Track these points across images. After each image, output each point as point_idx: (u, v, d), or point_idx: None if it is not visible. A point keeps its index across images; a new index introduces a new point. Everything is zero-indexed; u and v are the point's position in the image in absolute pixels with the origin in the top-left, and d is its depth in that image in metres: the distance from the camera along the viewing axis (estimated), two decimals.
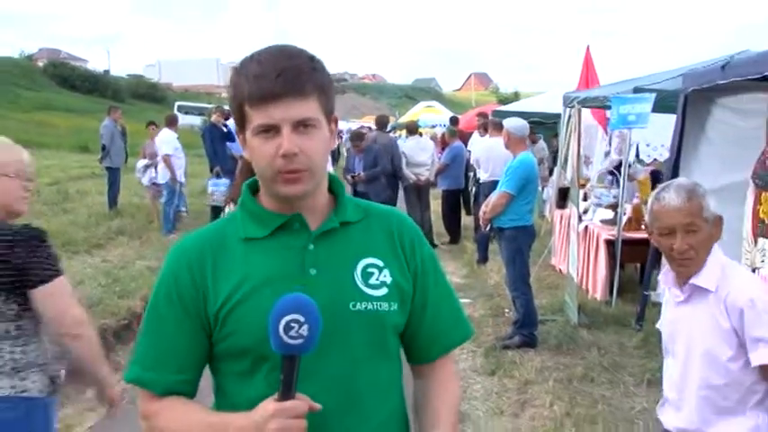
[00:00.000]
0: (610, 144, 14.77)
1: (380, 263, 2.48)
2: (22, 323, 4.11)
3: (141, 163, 19.02)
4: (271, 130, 2.28)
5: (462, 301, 12.25)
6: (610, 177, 14.26)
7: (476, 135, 19.33)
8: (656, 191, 4.06)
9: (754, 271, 6.95)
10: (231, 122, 21.13)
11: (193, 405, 2.45)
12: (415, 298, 2.57)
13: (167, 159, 17.97)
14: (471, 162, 17.57)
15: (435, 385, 2.66)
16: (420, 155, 17.94)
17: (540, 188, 18.25)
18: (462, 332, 2.72)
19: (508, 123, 10.62)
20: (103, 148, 20.14)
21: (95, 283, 12.03)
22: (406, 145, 18.46)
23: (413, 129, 20.14)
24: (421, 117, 35.47)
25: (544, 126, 20.15)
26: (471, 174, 18.02)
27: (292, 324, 2.10)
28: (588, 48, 16.56)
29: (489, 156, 14.60)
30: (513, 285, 10.24)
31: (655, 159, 14.81)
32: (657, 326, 4.49)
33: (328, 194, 2.54)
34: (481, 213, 10.88)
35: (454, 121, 22.66)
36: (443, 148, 18.54)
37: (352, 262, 2.45)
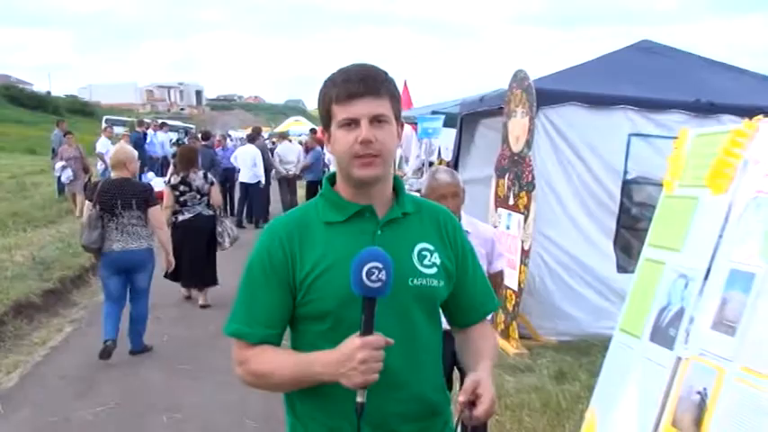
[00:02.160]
0: (420, 148, 16.04)
1: (431, 247, 2.32)
2: (146, 221, 7.53)
3: (59, 164, 17.97)
4: (352, 123, 2.15)
5: None
6: (420, 171, 15.47)
7: None
8: (432, 173, 4.74)
9: (496, 227, 8.23)
10: (150, 132, 21.91)
11: (280, 349, 2.29)
12: (456, 275, 2.40)
13: (102, 156, 18.69)
14: (326, 161, 18.60)
15: (477, 334, 2.52)
16: (289, 155, 18.45)
17: None
18: (492, 304, 2.59)
19: None
20: (53, 150, 20.66)
21: (54, 247, 12.53)
22: (279, 148, 18.82)
23: (284, 136, 20.91)
24: (291, 128, 36.17)
25: None
26: (326, 169, 18.43)
27: (373, 270, 1.98)
28: (405, 81, 17.91)
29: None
30: None
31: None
32: None
33: (391, 191, 2.35)
34: None
35: (313, 131, 23.38)
36: (307, 151, 18.96)
37: (410, 245, 2.29)
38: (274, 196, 18.90)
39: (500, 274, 4.91)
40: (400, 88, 11.17)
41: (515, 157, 7.77)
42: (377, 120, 2.17)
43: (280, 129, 34.36)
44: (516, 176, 7.73)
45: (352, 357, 2.02)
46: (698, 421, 3.05)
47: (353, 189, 2.27)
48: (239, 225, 16.84)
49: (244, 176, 17.16)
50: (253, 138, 18.29)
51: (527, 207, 7.42)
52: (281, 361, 2.24)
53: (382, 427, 2.22)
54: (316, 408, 2.28)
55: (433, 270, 2.30)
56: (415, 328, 2.27)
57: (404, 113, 12.39)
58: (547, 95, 7.63)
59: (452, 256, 2.39)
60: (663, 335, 3.47)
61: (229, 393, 6.66)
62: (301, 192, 19.35)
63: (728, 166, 3.37)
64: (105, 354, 7.36)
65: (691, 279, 3.41)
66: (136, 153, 8.06)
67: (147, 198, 7.52)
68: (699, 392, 3.10)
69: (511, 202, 7.84)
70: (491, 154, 9.00)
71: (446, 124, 11.90)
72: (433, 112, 12.25)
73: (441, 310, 2.46)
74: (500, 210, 8.19)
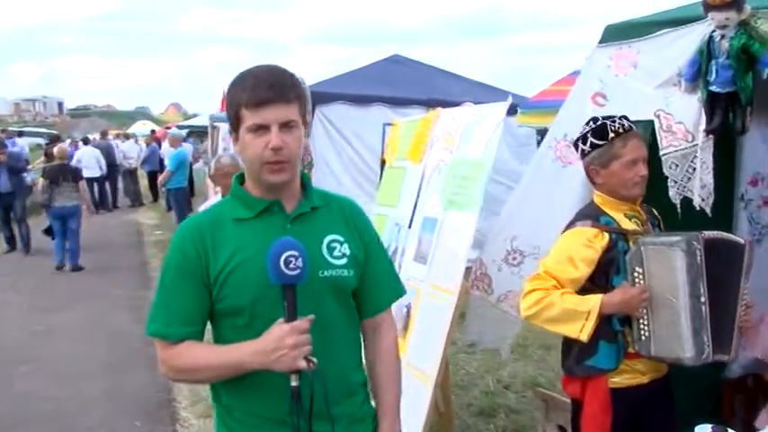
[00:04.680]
0: (229, 142, 15.74)
1: (341, 238, 1.91)
2: (75, 189, 9.58)
3: None
4: (261, 128, 1.75)
5: (156, 232, 13.05)
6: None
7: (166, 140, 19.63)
8: (218, 158, 4.94)
9: None
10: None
11: (205, 344, 1.86)
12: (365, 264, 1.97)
13: None
14: (161, 154, 17.99)
15: (380, 351, 2.02)
16: (131, 152, 17.92)
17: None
18: (397, 291, 2.09)
19: (170, 133, 11.55)
20: None
21: None
22: (123, 146, 18.33)
23: (127, 136, 20.50)
24: (138, 130, 34.66)
25: (204, 133, 20.60)
26: (162, 162, 18.11)
27: (290, 258, 1.66)
28: (223, 91, 17.38)
29: (169, 150, 15.20)
30: (179, 221, 10.38)
31: None
32: None
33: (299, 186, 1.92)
34: (159, 181, 11.65)
35: (153, 131, 22.63)
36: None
37: (319, 238, 1.88)
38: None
39: None
40: (219, 97, 10.86)
41: None
42: (286, 126, 1.77)
43: (130, 131, 32.82)
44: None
45: (282, 343, 1.67)
46: (406, 326, 3.34)
47: (261, 187, 1.86)
48: (97, 211, 16.07)
49: (89, 172, 16.12)
50: (86, 141, 17.60)
51: None
52: (206, 355, 1.83)
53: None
54: (245, 400, 1.86)
55: (343, 261, 1.90)
56: (328, 317, 1.84)
57: (218, 114, 12.11)
58: (321, 96, 7.80)
59: (360, 246, 1.96)
60: None
61: (78, 346, 6.49)
62: (144, 181, 18.51)
63: (422, 143, 3.65)
64: (59, 268, 9.96)
65: (402, 226, 3.68)
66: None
67: (77, 175, 10.06)
68: (406, 306, 3.38)
69: None
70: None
71: None
72: None
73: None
74: None
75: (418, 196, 3.59)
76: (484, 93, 8.22)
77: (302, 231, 1.83)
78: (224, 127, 15.71)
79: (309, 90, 7.65)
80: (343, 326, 1.91)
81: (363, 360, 2.02)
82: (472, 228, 3.02)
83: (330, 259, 1.87)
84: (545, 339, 5.57)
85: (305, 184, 1.93)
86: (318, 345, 1.72)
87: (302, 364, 1.67)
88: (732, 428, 2.15)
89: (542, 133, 7.31)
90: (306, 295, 1.73)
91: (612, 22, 2.84)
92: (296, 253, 1.66)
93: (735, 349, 2.43)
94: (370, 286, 1.98)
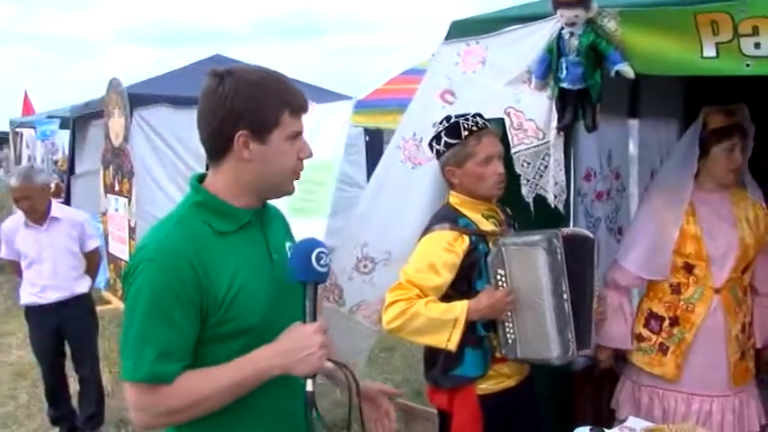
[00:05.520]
0: (44, 148, 14.32)
1: (291, 243, 1.80)
2: None
3: None
4: (298, 136, 1.63)
5: None
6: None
7: None
8: (11, 175, 4.31)
9: (106, 212, 7.65)
10: None
11: (201, 370, 1.56)
12: None
13: None
14: None
15: None
16: None
17: None
18: None
19: None
20: None
21: None
22: None
23: None
24: None
25: (3, 140, 18.68)
26: None
27: (321, 255, 1.56)
28: (26, 91, 15.76)
29: None
30: None
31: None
32: None
33: None
34: None
35: None
36: None
37: (283, 245, 1.74)
38: None
39: (96, 251, 4.45)
40: (22, 99, 9.70)
41: (116, 150, 7.30)
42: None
43: None
44: (118, 166, 7.25)
45: (309, 342, 1.51)
46: None
47: (254, 198, 1.65)
48: None
49: None
50: None
51: (129, 191, 6.99)
52: (211, 379, 1.53)
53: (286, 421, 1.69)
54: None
55: None
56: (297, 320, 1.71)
57: (24, 119, 10.87)
58: (139, 99, 7.19)
59: None
60: None
61: None
62: None
63: None
64: None
65: None
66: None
67: None
68: None
69: (116, 188, 7.35)
70: (100, 149, 8.31)
71: (64, 126, 10.77)
72: (49, 117, 10.99)
73: None
74: (109, 195, 7.64)
75: None
76: (311, 93, 8.04)
77: (274, 240, 1.70)
78: (28, 133, 14.26)
79: (126, 92, 7.05)
80: None
81: None
82: (321, 234, 2.80)
83: None
84: (387, 342, 5.47)
85: None
86: None
87: (329, 364, 1.57)
88: (586, 424, 2.15)
89: (371, 133, 7.27)
90: (289, 300, 1.62)
91: (424, 25, 2.75)
92: (326, 250, 1.58)
93: (593, 342, 2.43)
94: None
